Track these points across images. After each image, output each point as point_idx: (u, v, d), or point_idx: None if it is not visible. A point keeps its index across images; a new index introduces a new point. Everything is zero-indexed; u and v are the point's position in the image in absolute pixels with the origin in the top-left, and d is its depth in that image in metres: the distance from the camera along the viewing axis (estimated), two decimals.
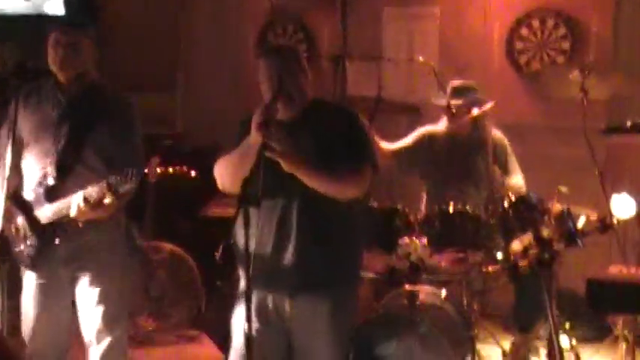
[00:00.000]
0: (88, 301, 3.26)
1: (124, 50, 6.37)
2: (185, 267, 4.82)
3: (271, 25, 6.06)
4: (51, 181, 3.14)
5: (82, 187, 3.02)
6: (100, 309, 3.24)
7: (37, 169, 3.18)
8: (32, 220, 3.15)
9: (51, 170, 3.15)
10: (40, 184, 3.15)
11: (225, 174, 2.93)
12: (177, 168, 5.33)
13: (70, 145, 3.15)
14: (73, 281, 3.26)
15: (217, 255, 2.57)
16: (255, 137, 2.72)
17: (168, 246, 4.84)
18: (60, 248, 3.18)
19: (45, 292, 3.25)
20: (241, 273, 2.97)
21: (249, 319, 2.51)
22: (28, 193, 3.20)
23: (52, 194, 3.13)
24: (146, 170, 4.80)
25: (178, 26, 6.34)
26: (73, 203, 3.00)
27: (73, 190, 3.05)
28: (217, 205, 5.13)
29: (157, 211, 4.97)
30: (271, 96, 2.83)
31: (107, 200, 2.97)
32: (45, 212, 3.13)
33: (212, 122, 6.16)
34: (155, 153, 4.89)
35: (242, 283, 2.97)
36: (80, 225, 3.11)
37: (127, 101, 3.32)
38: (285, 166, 2.76)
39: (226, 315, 3.11)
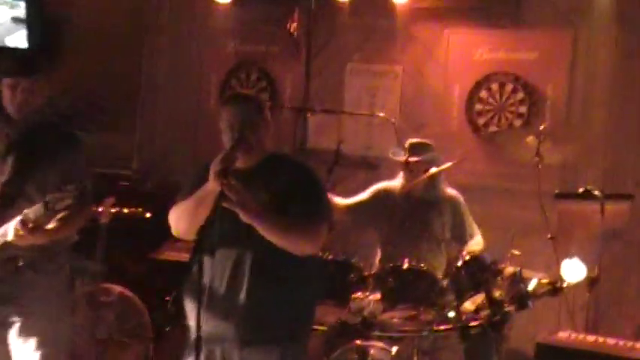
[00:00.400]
0: (23, 347, 3.15)
1: (84, 88, 6.34)
2: (134, 310, 4.73)
3: (235, 71, 6.09)
4: None
5: None
6: (37, 356, 3.14)
7: None
8: None
9: None
10: None
11: (181, 220, 2.91)
12: (132, 209, 5.25)
13: (14, 179, 3.10)
14: (6, 325, 3.16)
15: (169, 301, 2.55)
16: (212, 185, 2.72)
17: (117, 288, 4.75)
18: None
19: None
20: (191, 321, 2.93)
21: None
22: None
23: None
24: (100, 209, 4.75)
25: (141, 68, 6.32)
26: (10, 228, 2.93)
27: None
28: (170, 248, 5.07)
29: (108, 252, 4.89)
30: (231, 145, 2.83)
31: (48, 224, 2.91)
32: None
33: (169, 165, 6.13)
34: (110, 194, 4.83)
35: (191, 332, 2.92)
36: (20, 264, 3.05)
37: (73, 138, 3.28)
38: (243, 216, 2.75)
39: None
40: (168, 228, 3.01)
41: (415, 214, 4.42)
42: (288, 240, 2.84)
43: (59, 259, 3.24)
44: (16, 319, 3.15)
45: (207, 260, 2.71)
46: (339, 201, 4.47)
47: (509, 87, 5.28)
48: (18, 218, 2.91)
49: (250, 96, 3.19)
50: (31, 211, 2.90)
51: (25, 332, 3.14)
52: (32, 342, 3.14)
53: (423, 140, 4.53)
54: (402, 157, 4.38)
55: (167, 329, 4.73)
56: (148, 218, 5.32)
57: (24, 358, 3.15)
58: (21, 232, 2.91)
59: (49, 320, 3.19)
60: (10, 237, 2.94)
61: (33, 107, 3.16)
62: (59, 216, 2.91)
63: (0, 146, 3.15)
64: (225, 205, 2.67)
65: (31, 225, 2.91)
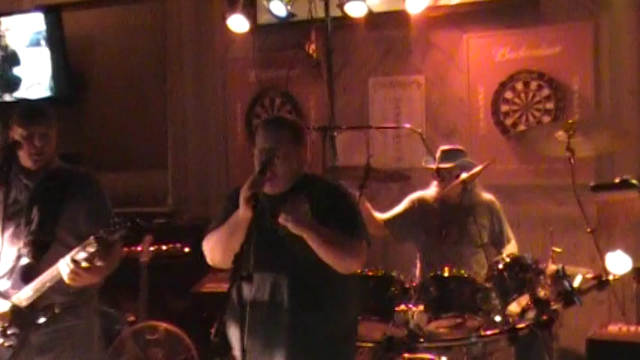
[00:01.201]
0: None
1: (113, 129, 6.44)
2: (181, 345, 4.74)
3: (259, 98, 6.13)
4: (25, 261, 3.10)
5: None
6: None
7: (8, 254, 3.12)
8: (13, 308, 3.07)
9: (25, 252, 3.11)
10: (14, 268, 3.10)
11: (215, 249, 2.92)
12: (171, 245, 5.29)
13: (44, 226, 3.13)
14: None
15: (212, 332, 2.55)
16: (243, 211, 2.72)
17: (163, 325, 4.77)
18: (34, 337, 3.11)
19: None
20: (236, 351, 2.93)
21: None
22: (3, 280, 3.14)
23: (28, 275, 3.08)
24: (139, 248, 4.80)
25: (165, 104, 6.40)
26: (62, 269, 2.95)
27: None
28: (211, 280, 5.10)
29: (150, 290, 4.92)
30: (258, 169, 2.83)
31: (99, 263, 2.94)
32: (25, 293, 3.07)
33: (203, 197, 6.18)
34: (148, 232, 4.87)
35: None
36: (57, 311, 3.08)
37: (89, 177, 3.32)
38: (294, 227, 2.73)
39: None
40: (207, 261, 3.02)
41: (452, 220, 4.39)
42: (336, 254, 2.82)
43: (93, 302, 3.26)
44: None
45: (245, 287, 2.71)
46: (378, 215, 4.46)
47: (534, 85, 5.24)
48: (67, 260, 2.94)
49: (285, 121, 3.09)
50: (79, 250, 2.93)
51: None
52: None
53: (454, 146, 4.52)
54: (433, 165, 4.36)
55: None
56: (187, 253, 5.35)
57: None
58: (75, 269, 2.93)
59: None
60: (65, 278, 2.96)
61: (48, 155, 3.21)
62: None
63: (21, 198, 3.18)
64: (280, 220, 2.66)
65: (84, 264, 2.94)
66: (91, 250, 2.92)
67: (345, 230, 2.88)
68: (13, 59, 6.50)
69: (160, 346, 4.75)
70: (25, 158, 3.17)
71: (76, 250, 2.95)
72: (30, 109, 3.26)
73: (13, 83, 6.51)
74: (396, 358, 3.84)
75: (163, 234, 5.25)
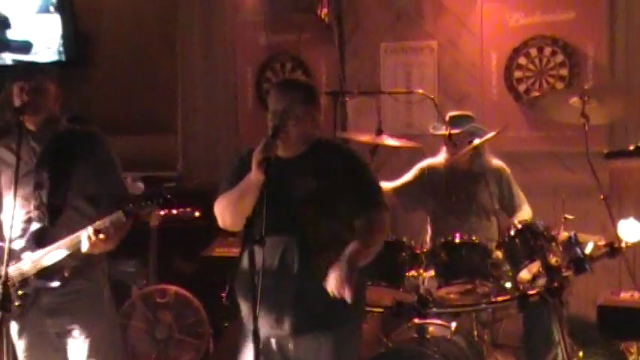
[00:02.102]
0: (78, 353, 3.20)
1: (122, 93, 6.41)
2: (191, 308, 4.77)
3: (269, 63, 6.08)
4: (36, 226, 3.11)
5: (71, 228, 3.02)
6: None
7: (18, 217, 3.13)
8: (24, 270, 3.10)
9: (36, 215, 3.13)
10: (25, 230, 3.11)
11: (226, 212, 2.90)
12: (181, 209, 5.29)
13: (54, 189, 3.13)
14: (63, 335, 3.21)
15: (224, 296, 2.55)
16: (256, 175, 2.70)
17: (173, 288, 4.80)
18: (44, 299, 3.14)
19: (32, 352, 3.21)
20: (246, 313, 2.93)
21: (257, 359, 2.47)
22: (15, 242, 3.13)
23: (41, 238, 3.10)
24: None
25: (175, 68, 6.36)
26: (83, 238, 2.96)
27: (62, 233, 3.04)
28: (221, 244, 5.11)
29: (160, 254, 4.94)
30: (271, 132, 2.80)
31: (114, 232, 2.97)
32: (38, 257, 3.08)
33: (212, 161, 6.16)
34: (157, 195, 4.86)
35: (247, 324, 2.93)
36: (66, 274, 3.10)
37: (98, 137, 3.29)
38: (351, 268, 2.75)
39: (234, 355, 3.07)
40: (217, 225, 3.01)
41: (462, 187, 4.37)
42: (378, 247, 2.89)
43: (102, 264, 3.27)
44: (70, 327, 3.20)
45: (257, 250, 2.70)
46: (385, 185, 4.43)
47: (547, 50, 5.17)
48: (89, 231, 2.95)
49: (298, 82, 3.07)
50: (107, 221, 2.95)
51: (79, 339, 3.19)
52: (88, 348, 3.19)
53: (464, 112, 4.48)
54: (443, 131, 4.32)
55: (225, 324, 4.77)
56: (197, 217, 5.35)
57: None
58: (95, 243, 2.95)
59: (101, 326, 3.24)
60: (84, 247, 2.98)
61: (42, 110, 3.16)
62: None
63: (29, 161, 3.16)
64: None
65: (102, 235, 2.95)
66: (116, 222, 2.95)
67: (365, 200, 2.86)
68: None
69: (170, 309, 4.78)
70: (29, 121, 3.15)
71: (102, 221, 2.96)
72: (18, 66, 3.25)
73: (24, 47, 6.48)
74: (405, 324, 3.86)
75: (173, 198, 5.25)
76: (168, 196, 3.03)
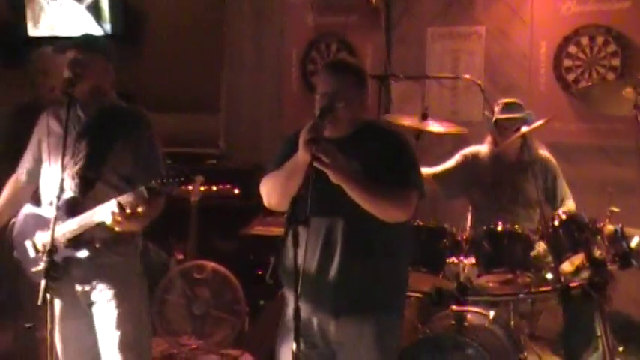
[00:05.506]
0: (106, 324, 3.21)
1: (168, 71, 6.45)
2: (228, 285, 4.79)
3: (315, 44, 6.07)
4: (69, 195, 3.12)
5: (102, 202, 3.01)
6: (119, 332, 3.19)
7: (54, 183, 3.12)
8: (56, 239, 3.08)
9: (69, 185, 3.13)
10: (58, 198, 3.08)
11: (273, 192, 2.90)
12: (221, 187, 5.33)
13: (90, 162, 3.15)
14: (90, 305, 3.23)
15: (267, 274, 2.55)
16: (302, 155, 2.68)
17: (211, 264, 4.83)
18: (75, 269, 3.15)
19: (65, 322, 3.23)
20: (288, 293, 2.94)
21: (297, 340, 2.47)
22: (46, 209, 3.18)
23: (72, 209, 3.10)
24: (190, 188, 4.82)
25: (222, 47, 6.38)
26: (107, 211, 2.97)
27: (93, 206, 3.04)
28: (260, 223, 5.13)
29: (199, 230, 4.98)
30: (319, 114, 2.79)
31: (140, 209, 2.96)
32: (68, 226, 3.09)
33: (254, 142, 6.19)
34: (199, 172, 4.90)
35: (288, 304, 2.93)
36: (97, 246, 3.12)
37: (143, 118, 3.28)
38: (334, 177, 2.70)
39: (269, 334, 3.07)
40: (256, 204, 3.00)
41: (508, 178, 4.31)
42: (378, 205, 2.77)
43: (135, 240, 3.27)
44: (97, 299, 3.21)
45: (301, 230, 2.69)
46: (425, 170, 4.38)
47: (600, 40, 5.08)
48: (113, 202, 2.96)
49: (348, 64, 3.00)
50: (129, 197, 2.95)
51: (106, 312, 3.20)
52: (115, 321, 3.19)
53: (514, 99, 4.39)
54: (500, 116, 4.25)
55: (262, 303, 4.79)
56: (237, 195, 5.38)
57: (107, 337, 3.22)
58: (119, 217, 2.95)
59: (130, 299, 3.23)
60: (108, 221, 2.98)
61: (88, 79, 3.16)
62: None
63: (72, 131, 3.16)
64: (315, 165, 2.63)
65: (128, 211, 2.96)
66: (140, 199, 2.94)
67: (398, 178, 2.84)
68: None
69: (207, 285, 4.81)
70: (77, 90, 3.17)
71: (125, 196, 2.96)
72: (68, 38, 3.27)
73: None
74: (443, 310, 3.84)
75: (213, 176, 5.29)
76: (189, 175, 3.00)
